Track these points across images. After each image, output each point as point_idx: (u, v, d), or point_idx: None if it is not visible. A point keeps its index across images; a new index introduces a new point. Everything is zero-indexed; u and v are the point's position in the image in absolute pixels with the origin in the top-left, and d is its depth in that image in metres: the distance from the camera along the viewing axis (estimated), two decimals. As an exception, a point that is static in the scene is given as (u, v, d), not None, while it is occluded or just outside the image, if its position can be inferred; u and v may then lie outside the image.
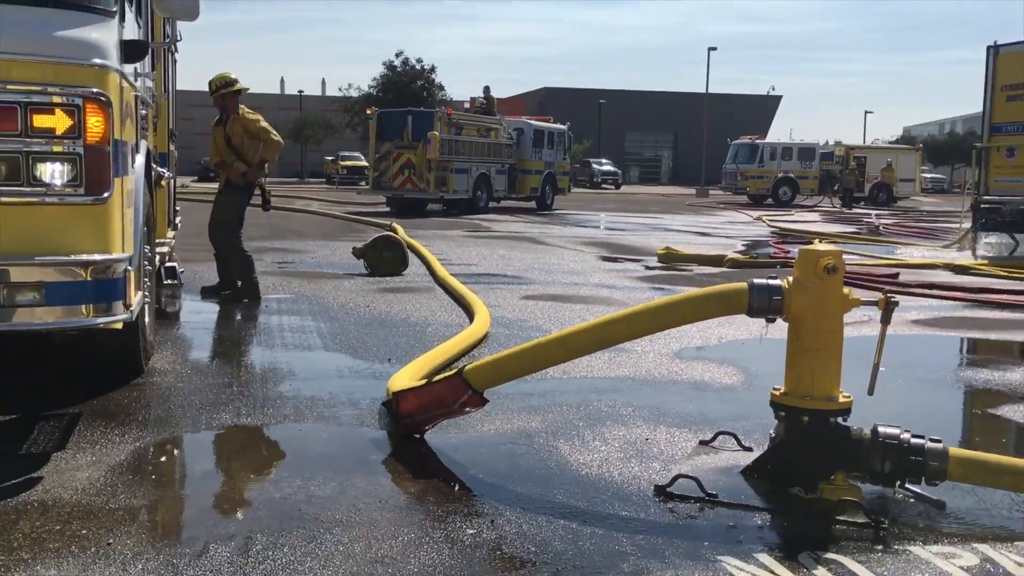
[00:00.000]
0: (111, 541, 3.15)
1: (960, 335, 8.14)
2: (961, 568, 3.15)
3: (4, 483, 3.66)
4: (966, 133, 66.84)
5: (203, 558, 3.05)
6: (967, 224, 16.12)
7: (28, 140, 4.13)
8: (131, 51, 4.83)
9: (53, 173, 4.20)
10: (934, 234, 20.82)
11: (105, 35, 4.45)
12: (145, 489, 3.70)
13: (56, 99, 4.16)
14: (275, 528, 3.31)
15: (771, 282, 3.87)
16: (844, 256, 3.91)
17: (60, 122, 4.17)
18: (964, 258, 14.33)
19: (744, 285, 3.90)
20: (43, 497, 3.54)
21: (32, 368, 5.66)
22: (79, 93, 4.19)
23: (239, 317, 7.79)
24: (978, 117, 15.99)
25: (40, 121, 4.14)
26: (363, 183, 33.95)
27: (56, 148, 4.19)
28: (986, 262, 13.60)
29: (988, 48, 15.04)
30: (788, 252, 14.40)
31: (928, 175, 58.40)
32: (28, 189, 4.17)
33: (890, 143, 59.36)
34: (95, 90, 4.24)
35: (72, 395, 4.97)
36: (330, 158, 52.75)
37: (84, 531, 3.23)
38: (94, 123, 4.23)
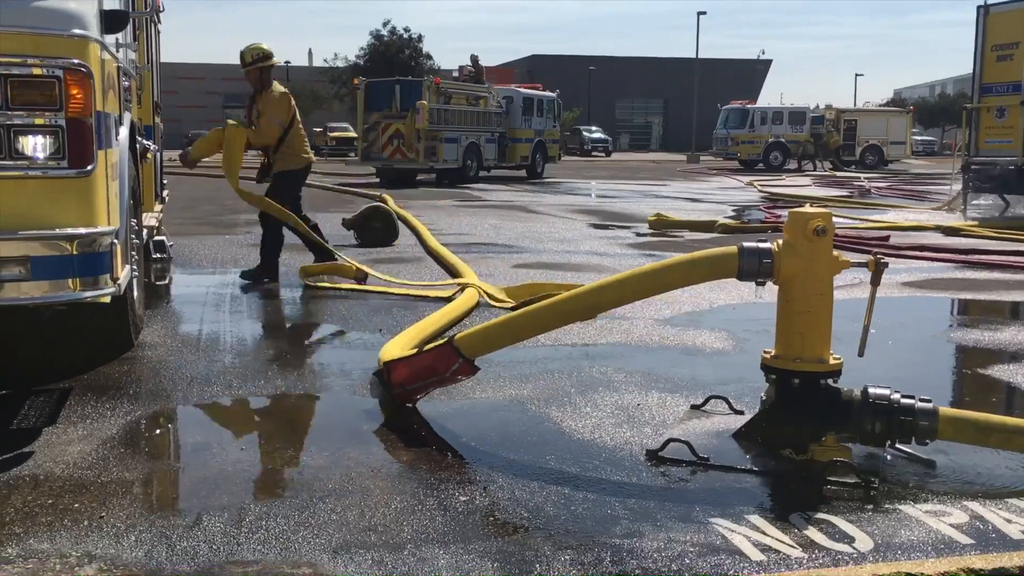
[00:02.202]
0: (104, 514, 3.15)
1: (950, 296, 8.16)
2: (951, 526, 3.18)
3: (-5, 459, 3.66)
4: (957, 95, 66.65)
5: (196, 529, 3.05)
6: (958, 186, 16.13)
7: (8, 113, 4.07)
8: (112, 21, 4.75)
9: (35, 146, 4.15)
10: (924, 196, 20.84)
11: (84, 5, 4.37)
12: (137, 462, 3.70)
13: (36, 71, 4.10)
14: (268, 498, 3.32)
15: (761, 245, 3.86)
16: (835, 219, 3.90)
17: (40, 94, 4.11)
18: (954, 220, 14.35)
19: (734, 249, 3.89)
20: (35, 471, 3.54)
21: (21, 343, 5.64)
22: (59, 64, 4.13)
23: (229, 290, 7.76)
24: (969, 78, 15.94)
25: (20, 93, 4.07)
26: (352, 154, 33.78)
27: (37, 121, 4.13)
28: (976, 223, 13.63)
29: (978, 8, 14.97)
30: (779, 216, 14.40)
31: (919, 137, 58.33)
32: (10, 163, 4.11)
33: (881, 105, 59.20)
34: (76, 61, 4.18)
35: (62, 370, 4.96)
36: (318, 129, 52.32)
37: (76, 505, 3.23)
38: (75, 95, 4.17)
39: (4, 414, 4.25)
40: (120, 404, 4.44)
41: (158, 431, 4.18)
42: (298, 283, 7.95)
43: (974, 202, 15.72)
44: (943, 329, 6.83)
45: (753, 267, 3.84)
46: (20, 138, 4.11)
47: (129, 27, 5.57)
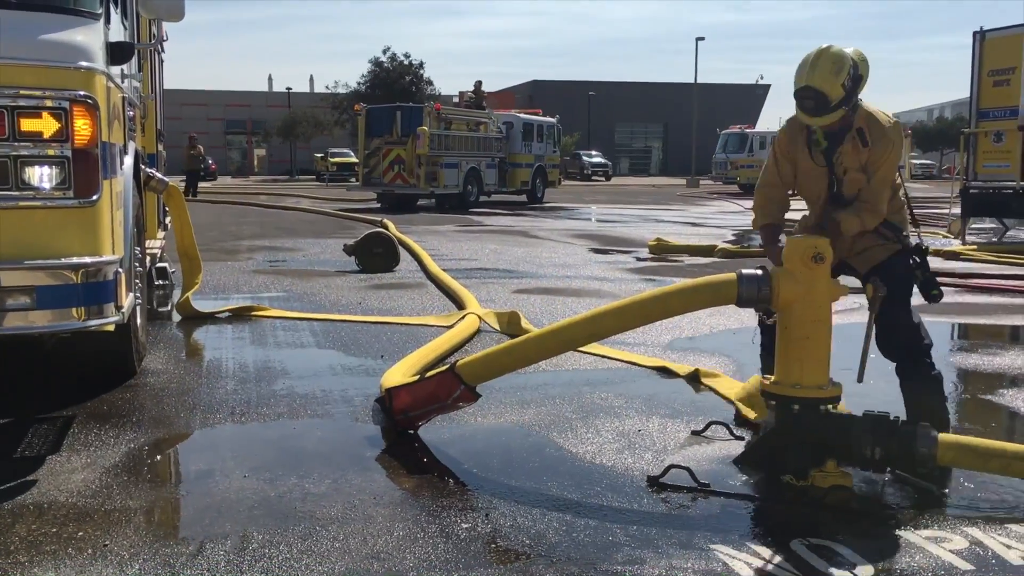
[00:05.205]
0: (107, 542, 3.17)
1: (949, 320, 8.18)
2: (951, 551, 3.19)
3: (-1, 487, 3.68)
4: (955, 118, 66.89)
5: (200, 557, 3.06)
6: (957, 210, 16.19)
7: (16, 144, 4.13)
8: (117, 53, 4.83)
9: (42, 177, 4.20)
10: (923, 220, 20.88)
11: (91, 38, 4.45)
12: (140, 490, 3.71)
13: (43, 103, 4.16)
14: (271, 526, 3.33)
15: (759, 272, 3.90)
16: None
17: (48, 125, 4.17)
18: (954, 244, 14.40)
19: (732, 276, 3.93)
20: (39, 500, 3.56)
21: (24, 371, 5.66)
22: (66, 96, 4.19)
23: (231, 317, 7.79)
24: (966, 102, 16.02)
25: (27, 125, 4.14)
26: (353, 180, 33.92)
27: (44, 152, 4.19)
28: (975, 247, 13.67)
29: (974, 33, 15.08)
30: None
31: (917, 161, 58.53)
32: (17, 193, 4.17)
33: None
34: (82, 93, 4.24)
35: (65, 397, 4.98)
36: (320, 155, 52.67)
37: (81, 533, 3.25)
38: (81, 126, 4.23)
39: (8, 442, 4.27)
40: (123, 431, 4.46)
41: (161, 458, 4.20)
42: (300, 307, 7.97)
43: (974, 225, 15.77)
44: (943, 354, 6.83)
45: (752, 294, 3.88)
46: (27, 169, 4.17)
47: (134, 58, 5.64)
